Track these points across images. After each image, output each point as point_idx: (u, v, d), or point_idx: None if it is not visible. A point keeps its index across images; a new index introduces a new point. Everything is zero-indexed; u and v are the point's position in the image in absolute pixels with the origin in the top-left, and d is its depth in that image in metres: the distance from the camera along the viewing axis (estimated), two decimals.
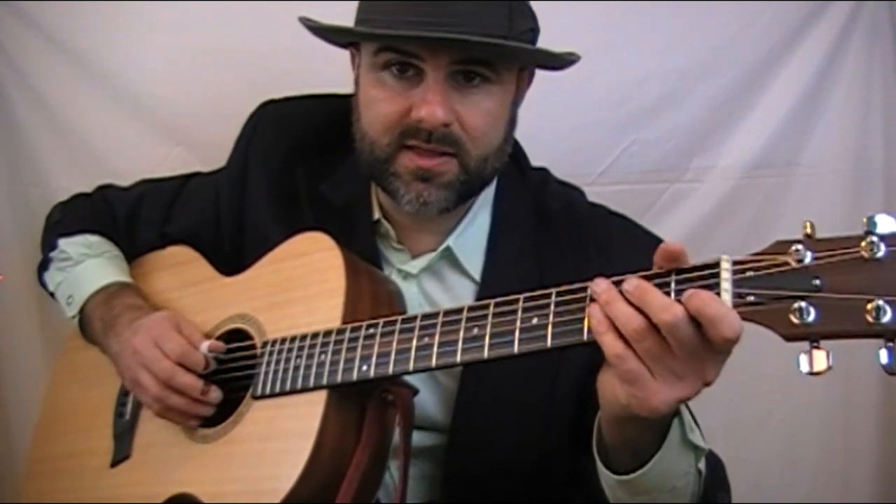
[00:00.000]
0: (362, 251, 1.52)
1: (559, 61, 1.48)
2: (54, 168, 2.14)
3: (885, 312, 0.95)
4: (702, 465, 1.26)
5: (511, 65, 1.45)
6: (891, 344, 0.97)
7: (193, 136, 2.11)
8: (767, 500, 2.09)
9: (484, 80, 1.42)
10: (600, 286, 1.11)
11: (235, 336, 1.53)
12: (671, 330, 1.05)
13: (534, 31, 1.46)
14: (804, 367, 1.00)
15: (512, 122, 1.51)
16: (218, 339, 1.54)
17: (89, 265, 1.71)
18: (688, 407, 1.26)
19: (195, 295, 1.63)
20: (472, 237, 1.55)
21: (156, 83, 2.09)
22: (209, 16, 2.06)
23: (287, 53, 2.04)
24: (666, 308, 1.05)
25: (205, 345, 1.48)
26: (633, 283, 1.08)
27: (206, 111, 2.09)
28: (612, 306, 1.09)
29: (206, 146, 2.05)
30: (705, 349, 1.05)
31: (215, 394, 1.48)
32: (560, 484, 1.50)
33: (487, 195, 1.58)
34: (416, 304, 1.54)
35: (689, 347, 1.05)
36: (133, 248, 1.76)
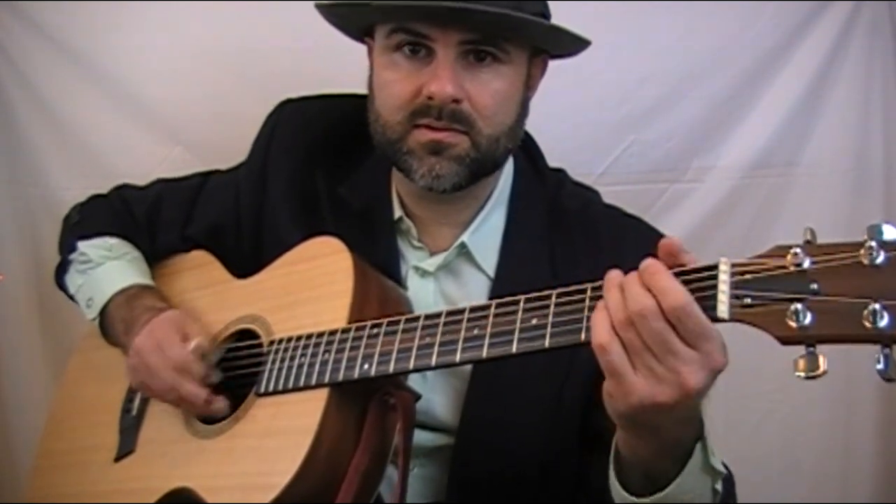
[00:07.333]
0: (382, 251, 1.55)
1: (566, 40, 1.48)
2: (54, 168, 2.14)
3: (881, 317, 0.95)
4: (718, 485, 1.24)
5: (519, 42, 1.46)
6: (887, 350, 0.96)
7: (193, 136, 2.11)
8: (767, 500, 2.08)
9: (494, 60, 1.43)
10: (612, 273, 1.12)
11: (245, 336, 1.54)
12: (638, 318, 1.05)
13: (544, 14, 1.48)
14: (800, 372, 1.00)
15: (524, 105, 1.52)
16: (227, 338, 1.56)
17: (109, 267, 1.71)
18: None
19: (209, 296, 1.65)
20: (487, 234, 1.56)
21: (156, 83, 2.09)
22: (209, 16, 2.06)
23: (287, 53, 2.05)
24: (636, 298, 1.06)
25: (192, 344, 1.50)
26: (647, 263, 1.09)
27: (206, 111, 2.10)
28: (608, 293, 1.10)
29: (206, 146, 2.07)
30: (676, 343, 1.04)
31: (219, 404, 1.49)
32: (566, 486, 1.50)
33: (503, 193, 1.59)
34: (431, 301, 1.55)
35: (660, 340, 1.05)
36: (154, 250, 1.76)
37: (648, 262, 1.08)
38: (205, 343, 1.51)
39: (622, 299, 1.08)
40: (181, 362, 1.49)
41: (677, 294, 1.04)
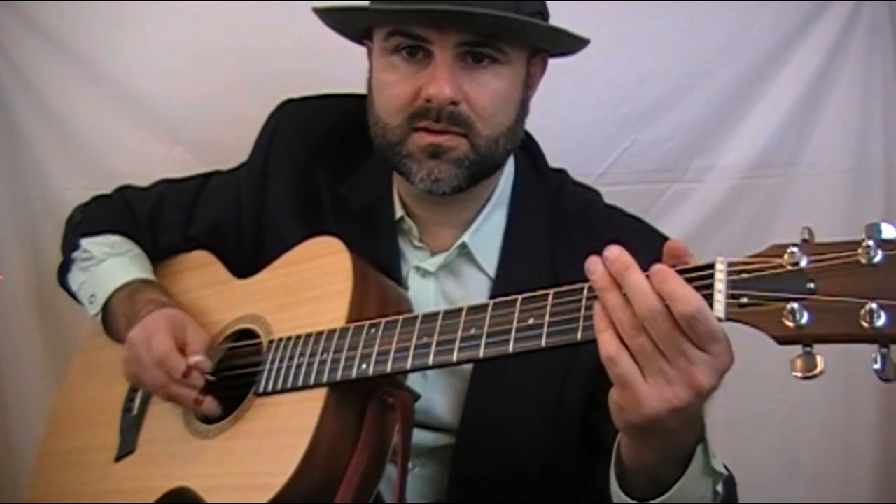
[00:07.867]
0: (383, 251, 1.55)
1: (565, 40, 1.48)
2: (54, 168, 2.15)
3: (879, 316, 0.94)
4: (719, 487, 1.23)
5: (518, 43, 1.46)
6: (884, 350, 0.96)
7: (193, 136, 2.12)
8: (767, 500, 2.08)
9: (492, 61, 1.43)
10: (596, 267, 1.08)
11: (245, 336, 1.55)
12: (649, 321, 1.04)
13: (542, 14, 1.48)
14: (797, 372, 1.00)
15: (523, 105, 1.52)
16: (227, 338, 1.56)
17: (112, 264, 1.71)
18: None
19: (210, 296, 1.66)
20: (487, 234, 1.57)
21: (156, 83, 2.10)
22: (209, 15, 2.07)
23: (287, 53, 2.05)
24: (644, 301, 1.04)
25: (194, 358, 1.49)
26: (613, 252, 1.08)
27: (206, 111, 2.10)
28: (607, 296, 1.08)
29: (206, 146, 2.07)
30: (686, 344, 1.04)
31: (209, 405, 1.49)
32: (566, 486, 1.51)
33: (504, 193, 1.59)
34: (432, 301, 1.55)
35: (670, 342, 1.04)
36: (156, 249, 1.77)
37: (658, 267, 1.06)
38: (205, 362, 1.49)
39: (625, 303, 1.06)
40: (165, 362, 1.49)
41: (688, 301, 1.02)
